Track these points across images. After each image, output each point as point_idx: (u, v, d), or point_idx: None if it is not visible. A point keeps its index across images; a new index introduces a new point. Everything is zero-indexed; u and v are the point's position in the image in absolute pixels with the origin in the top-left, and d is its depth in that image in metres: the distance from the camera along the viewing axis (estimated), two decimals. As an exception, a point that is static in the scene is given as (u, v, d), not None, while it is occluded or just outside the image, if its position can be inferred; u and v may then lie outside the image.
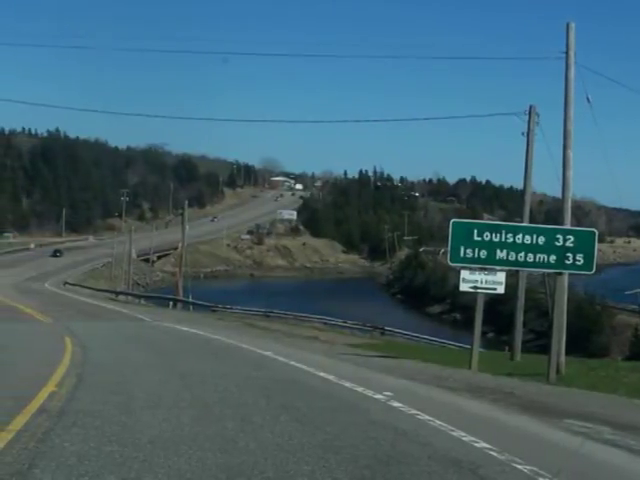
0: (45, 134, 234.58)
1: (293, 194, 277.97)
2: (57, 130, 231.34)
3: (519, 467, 8.13)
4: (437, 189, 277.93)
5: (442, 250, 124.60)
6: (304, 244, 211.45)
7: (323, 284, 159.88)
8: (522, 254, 19.90)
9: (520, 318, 31.08)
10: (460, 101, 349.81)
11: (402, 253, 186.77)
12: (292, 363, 19.27)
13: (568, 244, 19.80)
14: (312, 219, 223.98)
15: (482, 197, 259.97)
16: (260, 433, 9.29)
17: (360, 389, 14.04)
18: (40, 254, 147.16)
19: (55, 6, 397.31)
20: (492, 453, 8.77)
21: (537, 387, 17.13)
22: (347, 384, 14.78)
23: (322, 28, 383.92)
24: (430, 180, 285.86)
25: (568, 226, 23.54)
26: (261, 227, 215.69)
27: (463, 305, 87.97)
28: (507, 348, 36.32)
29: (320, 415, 10.95)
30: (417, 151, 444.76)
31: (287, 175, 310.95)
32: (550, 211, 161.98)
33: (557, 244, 19.79)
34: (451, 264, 21.11)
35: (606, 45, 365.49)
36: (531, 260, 19.94)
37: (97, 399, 11.54)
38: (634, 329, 74.85)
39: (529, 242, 19.87)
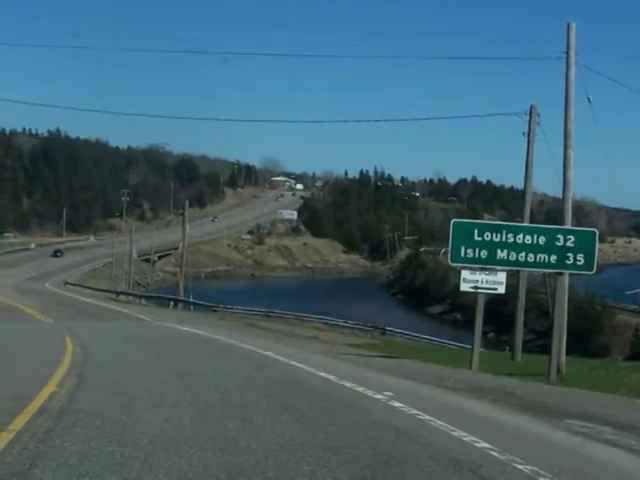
0: (46, 134, 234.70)
1: (294, 194, 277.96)
2: (58, 130, 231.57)
3: (520, 467, 8.13)
4: (438, 189, 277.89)
5: (443, 250, 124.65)
6: (305, 244, 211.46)
7: (324, 284, 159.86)
8: (523, 254, 19.90)
9: (521, 318, 31.07)
10: (461, 101, 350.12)
11: (403, 253, 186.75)
12: (293, 363, 19.27)
13: (569, 244, 19.79)
14: (313, 219, 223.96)
15: (483, 197, 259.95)
16: (261, 433, 9.29)
17: (361, 389, 14.04)
18: (41, 254, 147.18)
19: (55, 6, 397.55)
20: (493, 453, 8.77)
21: (538, 387, 17.13)
22: (348, 384, 14.78)
23: (322, 28, 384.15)
24: (431, 180, 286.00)
25: (569, 226, 23.54)
26: (262, 227, 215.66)
27: (464, 305, 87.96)
28: (508, 348, 36.31)
29: (321, 415, 10.95)
30: (418, 151, 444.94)
31: (288, 175, 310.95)
32: (551, 211, 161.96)
33: (558, 244, 19.79)
34: (452, 264, 21.11)
35: (607, 45, 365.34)
36: (532, 260, 19.94)
37: (98, 399, 11.54)
38: (635, 329, 74.84)
39: (530, 242, 19.87)
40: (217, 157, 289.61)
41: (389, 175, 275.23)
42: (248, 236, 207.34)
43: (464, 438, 9.60)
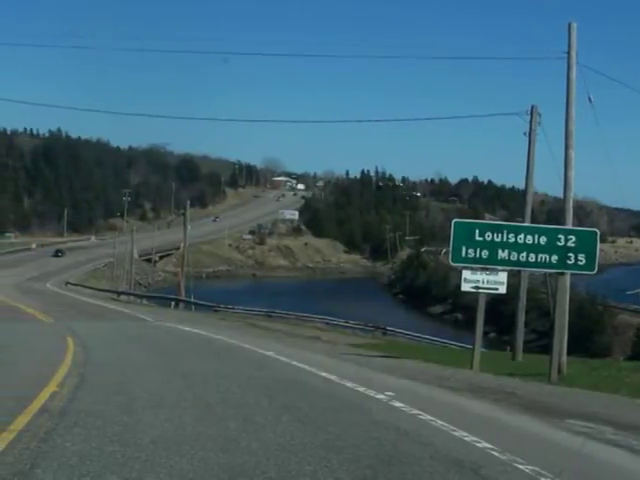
0: (47, 134, 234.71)
1: (295, 194, 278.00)
2: (59, 130, 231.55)
3: (521, 467, 8.13)
4: (439, 189, 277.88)
5: (444, 250, 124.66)
6: (306, 244, 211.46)
7: (325, 284, 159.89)
8: (524, 254, 19.89)
9: (522, 318, 31.07)
10: (462, 101, 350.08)
11: (404, 253, 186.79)
12: (294, 363, 19.27)
13: (570, 244, 19.78)
14: (314, 219, 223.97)
15: (484, 197, 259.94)
16: (262, 433, 9.29)
17: (362, 389, 14.04)
18: (42, 254, 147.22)
19: (55, 6, 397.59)
20: (494, 453, 8.77)
21: (539, 387, 17.12)
22: (349, 384, 14.78)
23: (322, 28, 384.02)
24: (432, 180, 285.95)
25: (570, 226, 23.54)
26: (263, 227, 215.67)
27: (465, 305, 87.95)
28: (509, 348, 36.32)
29: (322, 415, 10.95)
30: (419, 151, 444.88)
31: (289, 175, 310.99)
32: (552, 211, 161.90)
33: (559, 244, 19.78)
34: (453, 264, 21.11)
35: (608, 45, 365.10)
36: (533, 260, 19.93)
37: (99, 399, 11.54)
38: (636, 329, 74.87)
39: (531, 242, 19.86)
40: (218, 157, 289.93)
41: (390, 175, 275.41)
42: (249, 236, 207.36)
43: (465, 438, 9.60)
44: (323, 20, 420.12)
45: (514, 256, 19.89)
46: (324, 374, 16.59)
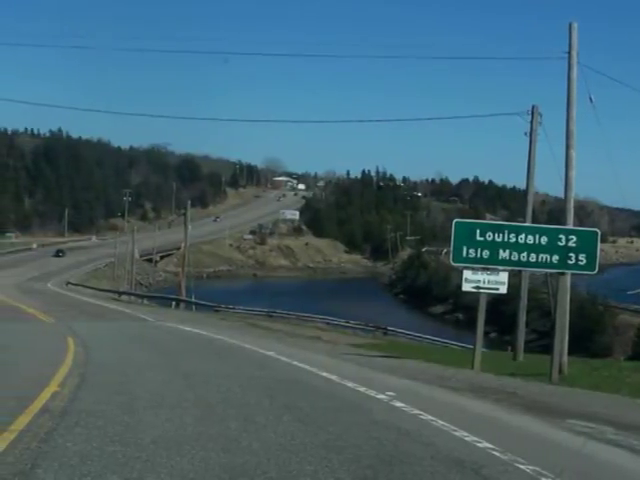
0: (48, 134, 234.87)
1: (296, 194, 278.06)
2: (60, 130, 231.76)
3: (522, 467, 8.13)
4: (440, 189, 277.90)
5: (445, 250, 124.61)
6: (307, 244, 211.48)
7: (326, 284, 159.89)
8: (525, 254, 19.88)
9: (523, 318, 31.09)
10: (463, 101, 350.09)
11: (405, 253, 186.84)
12: (295, 363, 19.27)
13: (571, 244, 19.78)
14: (315, 219, 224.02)
15: (485, 197, 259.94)
16: (263, 433, 9.30)
17: (363, 389, 14.05)
18: (42, 254, 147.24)
19: (55, 6, 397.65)
20: (495, 453, 8.77)
21: (540, 387, 17.12)
22: (350, 384, 14.78)
23: (322, 28, 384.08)
24: (433, 180, 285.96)
25: (571, 226, 23.54)
26: (264, 227, 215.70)
27: (466, 305, 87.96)
28: (510, 348, 36.35)
29: (323, 415, 10.95)
30: (420, 151, 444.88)
31: (290, 175, 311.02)
32: (553, 211, 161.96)
33: (560, 244, 19.77)
34: (454, 264, 21.10)
35: (609, 45, 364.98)
36: (534, 260, 19.92)
37: (100, 399, 11.54)
38: (637, 329, 74.85)
39: (532, 242, 19.86)
40: (219, 157, 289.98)
41: (391, 175, 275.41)
42: (250, 236, 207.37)
43: (466, 438, 9.60)
44: (323, 20, 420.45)
45: (515, 256, 19.88)
46: (325, 374, 16.59)
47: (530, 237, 19.91)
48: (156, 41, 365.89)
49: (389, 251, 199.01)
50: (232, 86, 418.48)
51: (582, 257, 19.79)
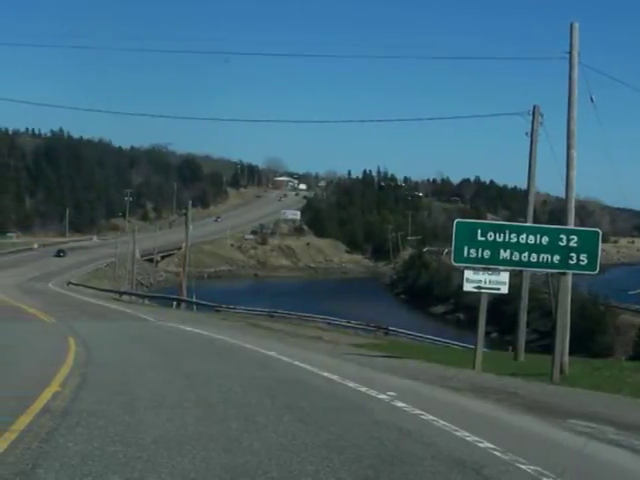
0: (49, 134, 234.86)
1: (297, 194, 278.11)
2: (61, 130, 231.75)
3: (523, 467, 8.12)
4: (441, 189, 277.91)
5: (446, 250, 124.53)
6: (308, 244, 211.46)
7: (327, 284, 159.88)
8: (526, 254, 19.87)
9: (524, 318, 31.09)
10: (464, 101, 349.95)
11: (406, 253, 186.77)
12: (296, 363, 19.27)
13: (572, 244, 19.77)
14: (316, 219, 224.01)
15: (486, 197, 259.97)
16: (264, 433, 9.30)
17: (364, 389, 14.04)
18: (43, 254, 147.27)
19: (55, 6, 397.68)
20: (496, 453, 8.77)
21: (541, 387, 17.12)
22: (351, 384, 14.78)
23: (322, 28, 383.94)
24: (434, 180, 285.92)
25: (572, 226, 23.53)
26: (265, 227, 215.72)
27: (467, 305, 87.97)
28: (511, 348, 36.35)
29: (324, 415, 10.95)
30: (421, 151, 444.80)
31: (291, 175, 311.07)
32: (554, 211, 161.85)
33: (561, 244, 19.76)
34: (455, 264, 21.09)
35: (610, 45, 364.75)
36: (535, 260, 19.91)
37: (101, 399, 11.54)
38: (638, 329, 74.82)
39: (533, 242, 19.84)
40: (220, 157, 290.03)
41: (392, 175, 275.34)
42: (251, 236, 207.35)
43: (467, 438, 9.60)
44: (323, 20, 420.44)
45: (516, 256, 19.87)
46: (326, 374, 16.58)
47: (531, 237, 19.90)
48: (156, 41, 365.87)
49: (390, 251, 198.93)
50: (233, 86, 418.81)
51: (583, 257, 19.78)
